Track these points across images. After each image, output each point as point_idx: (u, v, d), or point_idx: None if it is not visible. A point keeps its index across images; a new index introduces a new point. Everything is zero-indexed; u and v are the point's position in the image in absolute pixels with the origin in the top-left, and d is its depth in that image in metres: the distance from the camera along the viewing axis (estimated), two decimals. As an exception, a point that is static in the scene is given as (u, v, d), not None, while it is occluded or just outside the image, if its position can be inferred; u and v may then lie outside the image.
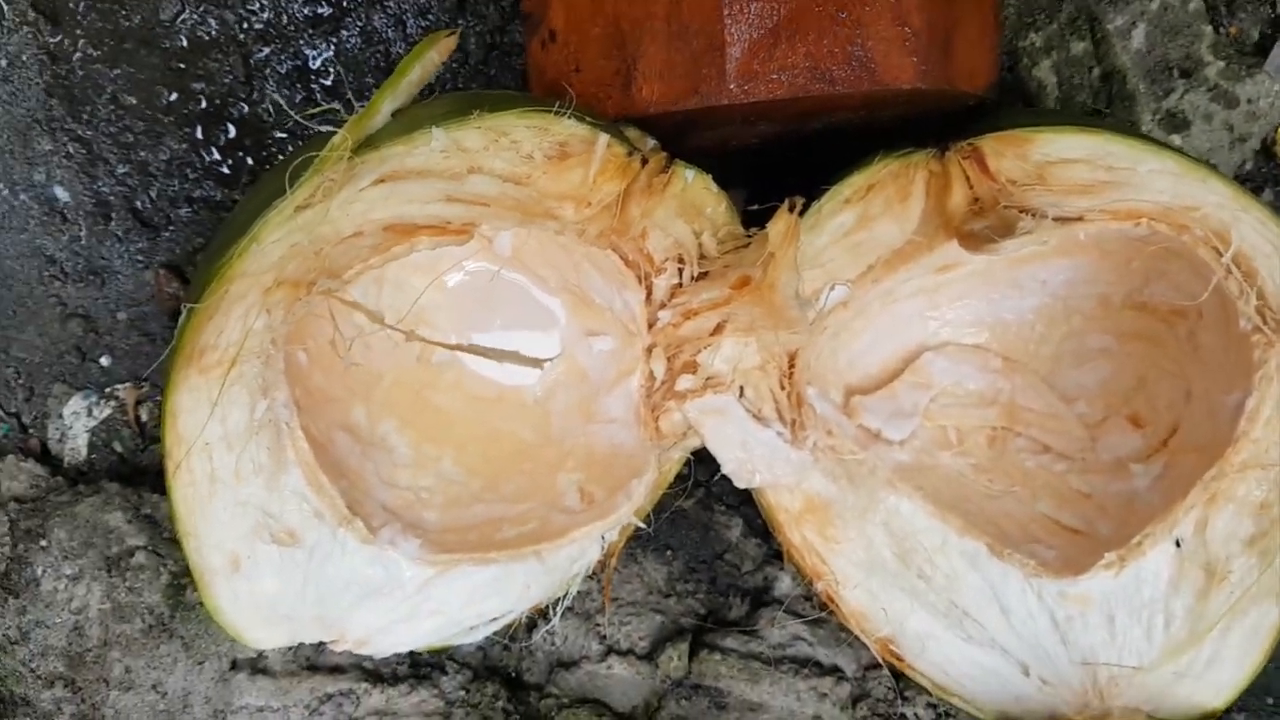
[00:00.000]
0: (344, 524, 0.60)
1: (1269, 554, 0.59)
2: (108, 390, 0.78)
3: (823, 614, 0.74)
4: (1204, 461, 0.60)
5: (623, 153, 0.56)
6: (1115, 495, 0.66)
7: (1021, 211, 0.57)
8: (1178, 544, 0.62)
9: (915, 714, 0.73)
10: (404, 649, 0.65)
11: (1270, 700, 0.75)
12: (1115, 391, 0.69)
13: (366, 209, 0.53)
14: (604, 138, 0.54)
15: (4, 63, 0.74)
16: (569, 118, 0.53)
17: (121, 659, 0.71)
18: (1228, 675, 0.63)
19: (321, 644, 0.71)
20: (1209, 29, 0.73)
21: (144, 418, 0.78)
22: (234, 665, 0.71)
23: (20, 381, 0.78)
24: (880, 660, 0.68)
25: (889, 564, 0.66)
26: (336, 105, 0.67)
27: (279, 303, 0.53)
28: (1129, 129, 0.61)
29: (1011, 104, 0.75)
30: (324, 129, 0.55)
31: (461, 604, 0.64)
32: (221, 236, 0.56)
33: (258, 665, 0.71)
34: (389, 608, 0.63)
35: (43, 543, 0.71)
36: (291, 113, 0.72)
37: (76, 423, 0.78)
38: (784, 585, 0.76)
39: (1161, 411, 0.66)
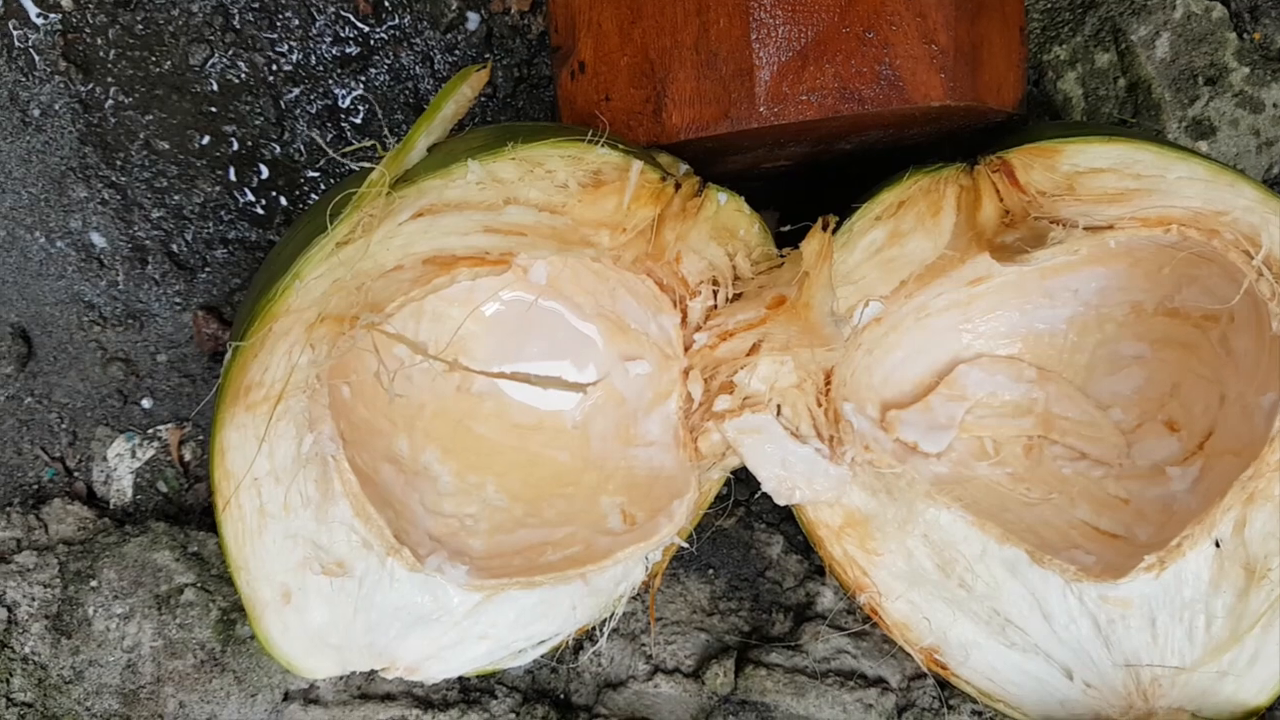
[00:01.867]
0: (392, 553, 0.61)
1: (1310, 552, 0.60)
2: (150, 431, 0.79)
3: (866, 627, 0.74)
4: (1240, 463, 0.61)
5: (656, 178, 0.57)
6: (1153, 500, 0.67)
7: (1052, 222, 0.58)
8: (1217, 544, 0.62)
9: (962, 724, 0.73)
10: (454, 674, 0.66)
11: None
12: (1150, 397, 0.70)
13: (406, 243, 0.54)
14: (637, 164, 0.56)
15: (37, 112, 0.76)
16: (602, 146, 0.54)
17: (175, 694, 0.72)
18: (1270, 672, 0.63)
19: (372, 672, 0.72)
20: (1233, 36, 0.74)
21: (187, 457, 0.79)
22: (286, 696, 0.72)
23: (64, 426, 0.79)
24: (925, 670, 0.69)
25: (930, 574, 0.67)
26: (372, 141, 0.68)
27: (322, 338, 0.54)
28: (1156, 137, 0.62)
29: (1038, 117, 0.76)
30: (361, 165, 0.56)
31: (509, 628, 0.65)
32: (264, 274, 0.57)
33: (310, 696, 0.72)
34: (438, 634, 0.64)
35: (93, 583, 0.73)
36: (329, 149, 0.74)
37: (121, 464, 0.79)
38: (826, 600, 0.76)
39: (1197, 415, 0.67)
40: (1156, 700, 0.65)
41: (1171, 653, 0.64)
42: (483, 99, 0.76)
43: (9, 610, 0.72)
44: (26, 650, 0.72)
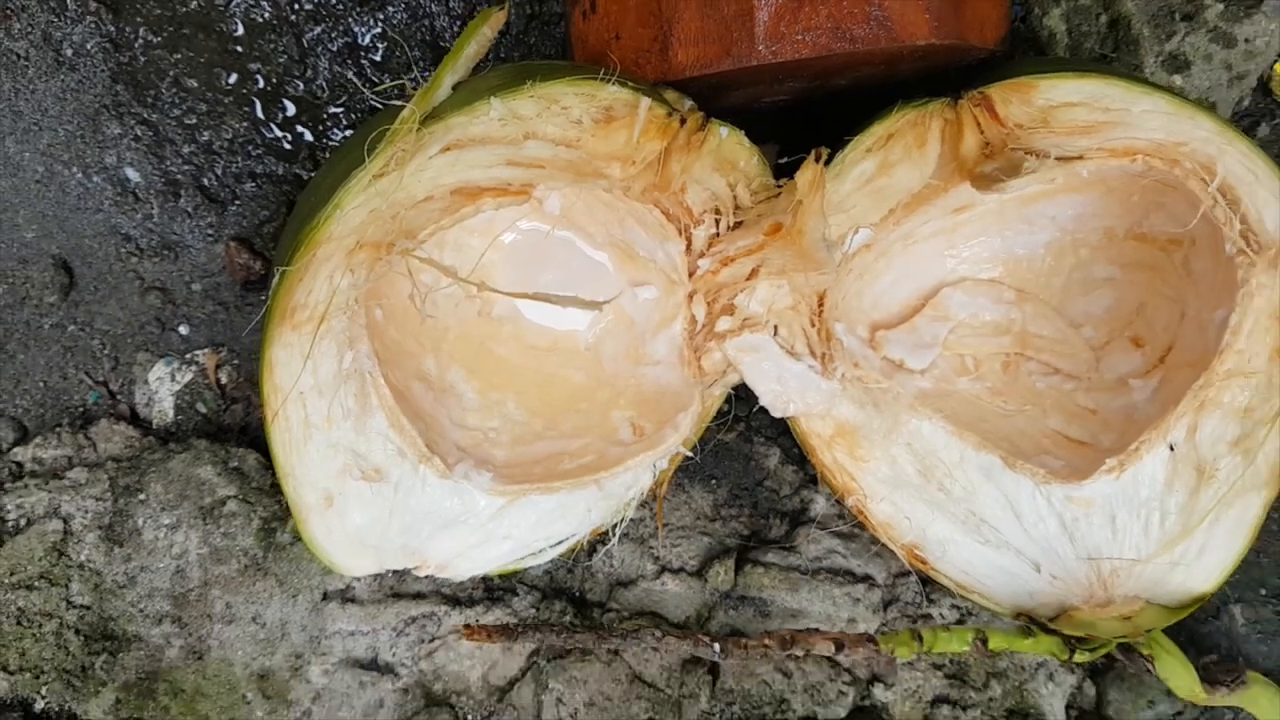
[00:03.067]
0: (424, 460, 0.66)
1: (1251, 452, 0.65)
2: (188, 356, 0.84)
3: (854, 528, 0.80)
4: (1195, 374, 0.65)
5: (663, 114, 0.60)
6: (1117, 409, 0.72)
7: (1027, 153, 0.62)
8: (1171, 448, 0.67)
9: (940, 614, 0.80)
10: (479, 572, 0.71)
11: (1264, 591, 0.82)
12: (1119, 316, 0.74)
13: (436, 175, 0.58)
14: (646, 101, 0.59)
15: (70, 52, 0.79)
16: (613, 84, 0.58)
17: (222, 596, 0.77)
18: (1215, 561, 0.68)
19: (404, 573, 0.77)
20: None
21: (223, 380, 0.84)
22: (325, 596, 0.77)
23: (106, 352, 0.84)
24: (908, 565, 0.74)
25: (912, 479, 0.72)
26: (401, 81, 0.72)
27: (361, 263, 0.59)
28: (1125, 72, 0.66)
29: (1024, 52, 0.78)
30: (388, 104, 0.60)
31: (530, 529, 0.70)
32: (304, 204, 0.61)
33: (347, 595, 0.78)
34: (465, 535, 0.69)
35: (141, 496, 0.77)
36: (364, 89, 0.77)
37: (161, 388, 0.84)
38: (819, 506, 0.82)
39: (1159, 332, 0.71)
40: (1115, 589, 0.70)
41: (1129, 547, 0.69)
42: (498, 36, 0.79)
43: (64, 522, 0.77)
44: (83, 558, 0.76)
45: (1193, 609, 0.71)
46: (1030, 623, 0.74)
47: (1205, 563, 0.69)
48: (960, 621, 0.81)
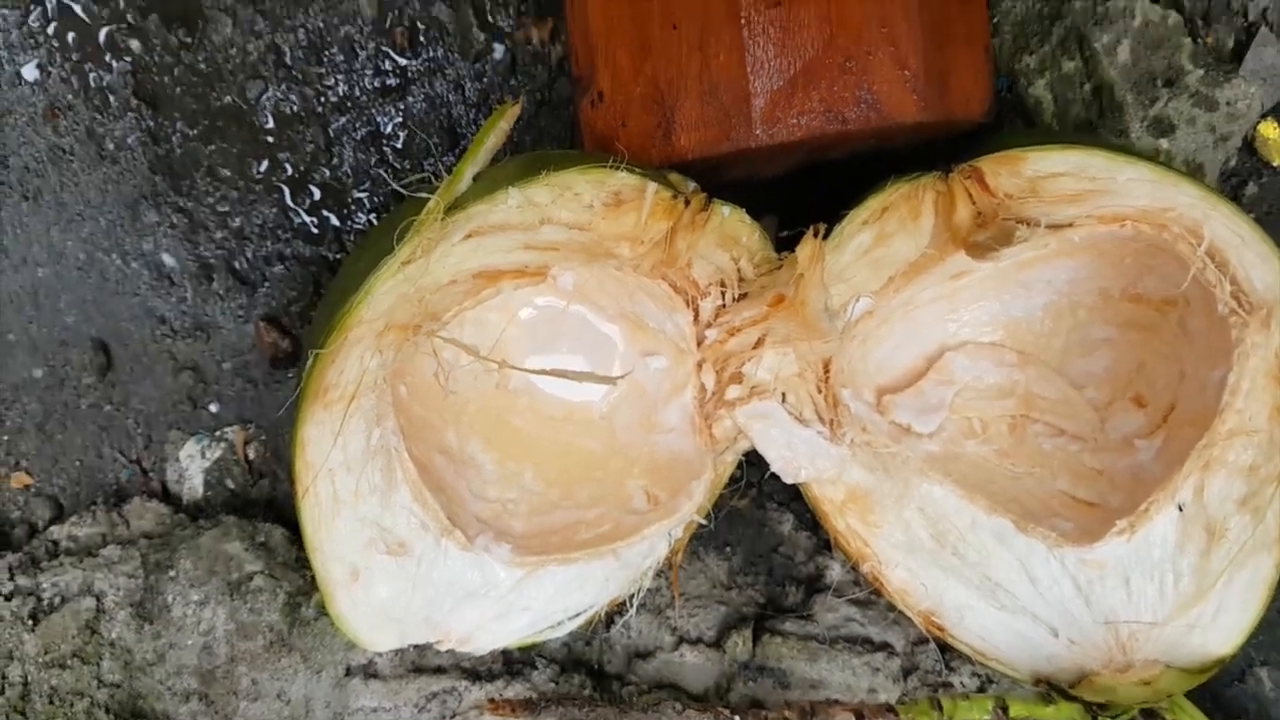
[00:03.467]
0: (445, 534, 0.67)
1: (1260, 511, 0.65)
2: (218, 433, 0.86)
3: (870, 595, 0.80)
4: (1198, 433, 0.66)
5: (668, 196, 0.63)
6: (1124, 469, 0.72)
7: (1019, 221, 0.64)
8: (1180, 508, 0.67)
9: (961, 682, 0.79)
10: (500, 645, 0.72)
11: (1288, 651, 0.82)
12: (1119, 376, 0.75)
13: (459, 260, 0.61)
14: (652, 185, 0.63)
15: (111, 146, 0.83)
16: (621, 170, 0.61)
17: (248, 672, 0.78)
18: (1233, 622, 0.68)
19: (425, 648, 0.78)
20: (1188, 40, 0.77)
21: (252, 456, 0.86)
22: (348, 671, 0.78)
23: (139, 430, 0.87)
24: (925, 632, 0.74)
25: (926, 544, 0.72)
26: (425, 174, 0.76)
27: (390, 344, 0.62)
28: (1109, 142, 0.68)
29: (1012, 121, 0.81)
30: (413, 195, 0.64)
31: (549, 600, 0.71)
32: (337, 290, 0.64)
33: (370, 670, 0.78)
34: (486, 607, 0.70)
35: (171, 573, 0.79)
36: (391, 181, 0.81)
37: (192, 464, 0.86)
38: (834, 572, 0.82)
39: (1160, 391, 0.72)
40: (1134, 653, 0.70)
41: (1145, 609, 0.69)
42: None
43: (97, 599, 0.79)
44: (114, 635, 0.78)
45: (1213, 671, 0.70)
46: (1050, 689, 0.73)
47: (1223, 624, 0.69)
48: (981, 689, 0.80)
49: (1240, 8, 0.79)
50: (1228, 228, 0.63)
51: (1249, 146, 0.81)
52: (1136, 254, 0.70)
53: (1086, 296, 0.75)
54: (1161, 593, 0.69)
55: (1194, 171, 0.78)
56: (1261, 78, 0.78)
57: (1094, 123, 0.79)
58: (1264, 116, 0.80)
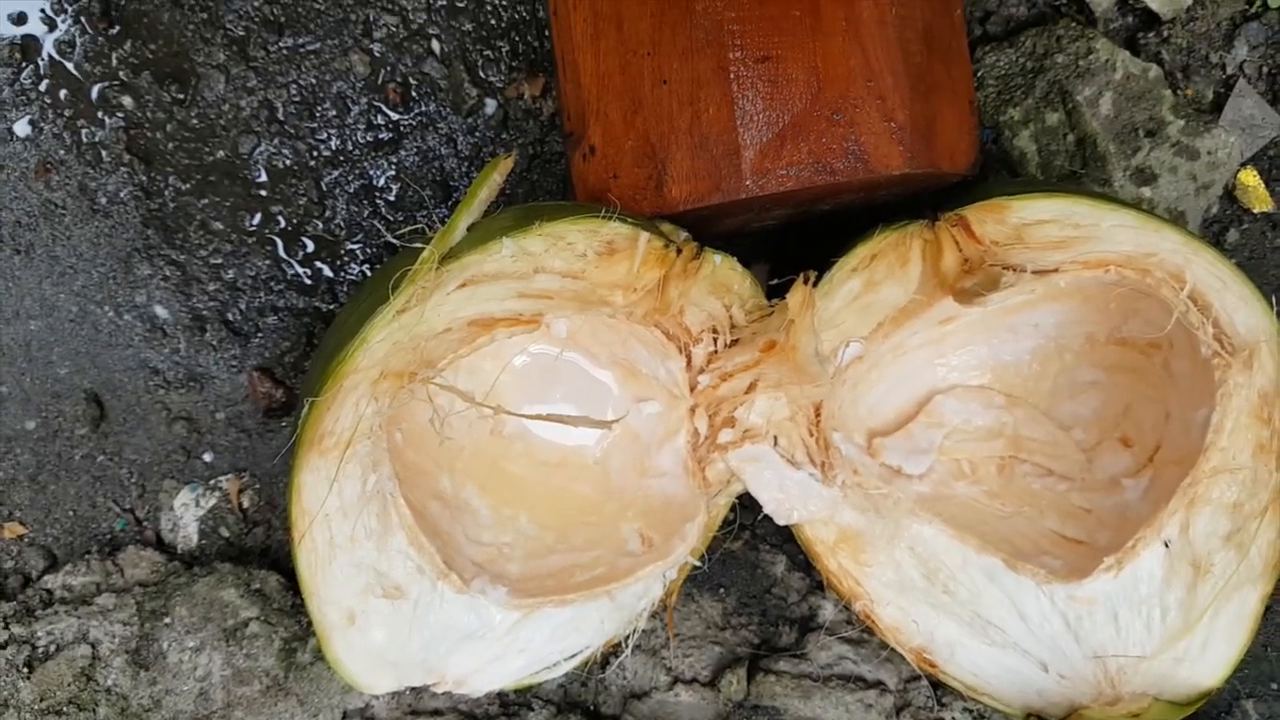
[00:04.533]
0: (441, 577, 0.68)
1: (1244, 547, 0.67)
2: (212, 482, 0.87)
3: (863, 633, 0.81)
4: (1183, 472, 0.67)
5: (660, 245, 0.65)
6: (1111, 508, 0.73)
7: (1005, 268, 0.65)
8: (1166, 545, 0.68)
9: (953, 717, 0.80)
10: (497, 687, 0.72)
11: (1275, 686, 0.82)
12: (1106, 417, 0.76)
13: (454, 309, 0.62)
14: (644, 235, 0.64)
15: (104, 200, 0.84)
16: (614, 220, 0.62)
17: (244, 717, 0.78)
18: (1219, 655, 0.69)
19: (421, 690, 0.78)
20: (1168, 93, 0.79)
21: (246, 504, 0.87)
22: (345, 716, 0.78)
23: (133, 480, 0.87)
24: (918, 669, 0.74)
25: (917, 583, 0.73)
26: (419, 225, 0.77)
27: (385, 391, 0.63)
28: (1092, 190, 0.70)
29: (997, 172, 0.82)
30: (404, 245, 0.65)
31: (545, 642, 0.71)
32: (332, 339, 0.65)
33: (366, 714, 0.79)
34: (482, 650, 0.70)
35: (166, 620, 0.79)
36: (386, 232, 0.83)
37: (186, 513, 0.87)
38: (827, 612, 0.83)
39: (1146, 432, 0.74)
40: (1123, 687, 0.71)
41: (1133, 644, 0.70)
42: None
43: (93, 647, 0.79)
44: (109, 683, 0.78)
45: (1200, 704, 0.71)
46: (1041, 723, 0.74)
47: (1209, 657, 0.70)
48: (974, 725, 0.81)
49: (1219, 61, 0.82)
50: (1209, 272, 0.64)
51: (1230, 194, 0.83)
52: (1121, 299, 0.72)
53: (1073, 340, 0.76)
54: (1149, 627, 0.70)
55: (1176, 219, 0.80)
56: (1241, 128, 0.81)
57: (1078, 173, 0.81)
58: (1244, 165, 0.82)
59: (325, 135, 0.84)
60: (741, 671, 0.81)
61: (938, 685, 0.80)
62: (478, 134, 0.85)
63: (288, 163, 0.84)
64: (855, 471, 0.73)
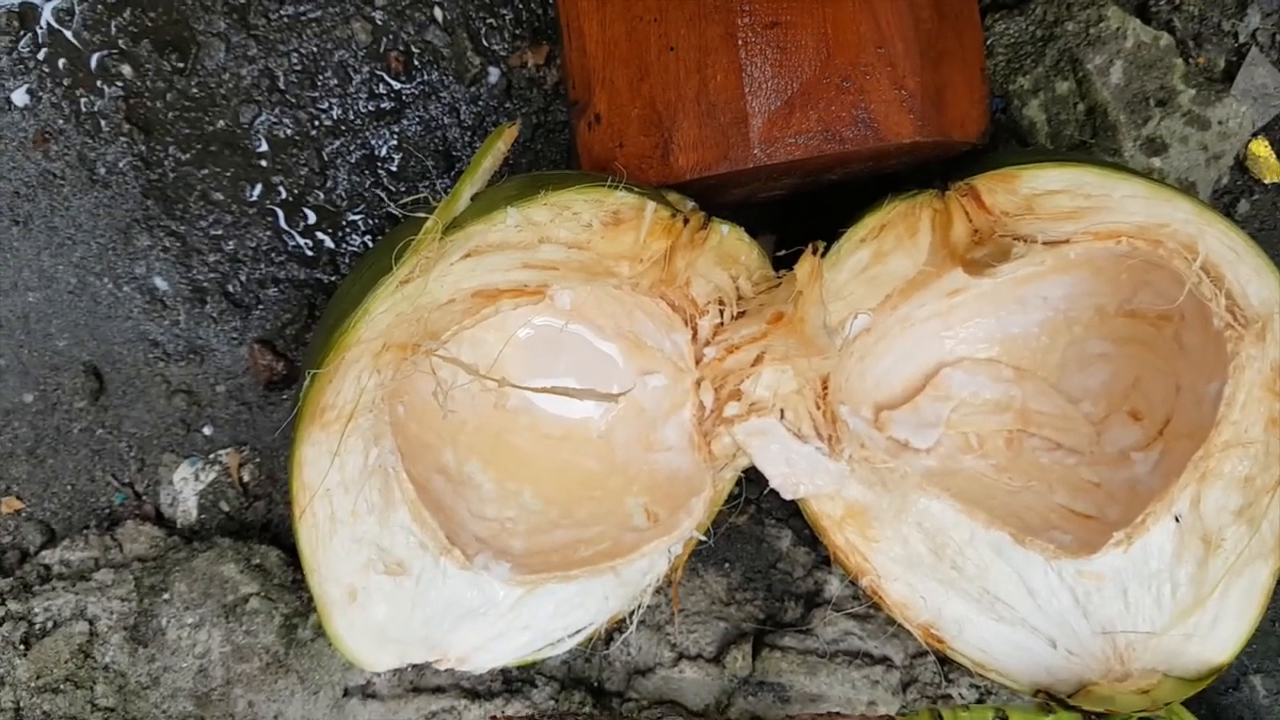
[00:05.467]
0: (444, 553, 0.67)
1: (1255, 521, 0.66)
2: (212, 456, 0.86)
3: (869, 609, 0.80)
4: (1194, 445, 0.66)
5: (667, 215, 0.64)
6: (1121, 482, 0.73)
7: (1015, 239, 0.64)
8: (1176, 519, 0.68)
9: (960, 694, 0.80)
10: (500, 664, 0.71)
11: (1283, 661, 0.82)
12: (1115, 390, 0.76)
13: (457, 280, 0.61)
14: (651, 204, 0.63)
15: (103, 170, 0.83)
16: (620, 189, 0.61)
17: (244, 695, 0.78)
18: (1229, 631, 0.69)
19: (423, 667, 0.78)
20: (1179, 61, 0.79)
21: (246, 479, 0.86)
22: (346, 692, 0.78)
23: (133, 454, 0.86)
24: (925, 645, 0.74)
25: (925, 558, 0.73)
26: (424, 194, 0.76)
27: (388, 363, 0.62)
28: (1103, 160, 0.69)
29: (1006, 142, 0.81)
30: (407, 215, 0.64)
31: (548, 618, 0.71)
32: (334, 311, 0.64)
33: (368, 690, 0.78)
34: (485, 626, 0.70)
35: (165, 596, 0.79)
36: (388, 202, 0.82)
37: (186, 487, 0.86)
38: (833, 587, 0.83)
39: (1156, 405, 0.73)
40: (1132, 663, 0.70)
41: (1143, 619, 0.70)
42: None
43: (90, 623, 0.78)
44: (107, 659, 0.78)
45: (1210, 680, 0.71)
46: (1049, 699, 0.74)
47: (1220, 633, 0.69)
48: (980, 700, 0.81)
49: (1231, 29, 0.81)
50: (1222, 242, 0.63)
51: (1241, 165, 0.82)
52: (1132, 270, 0.71)
53: (1083, 312, 0.75)
54: (1159, 603, 0.70)
55: (1187, 189, 0.79)
56: (1252, 97, 0.80)
57: (1087, 143, 0.80)
58: (1255, 135, 0.82)
59: (327, 104, 0.83)
60: (747, 647, 0.80)
61: (945, 661, 0.80)
62: (481, 103, 0.83)
63: (289, 132, 0.83)
64: (862, 445, 0.73)
